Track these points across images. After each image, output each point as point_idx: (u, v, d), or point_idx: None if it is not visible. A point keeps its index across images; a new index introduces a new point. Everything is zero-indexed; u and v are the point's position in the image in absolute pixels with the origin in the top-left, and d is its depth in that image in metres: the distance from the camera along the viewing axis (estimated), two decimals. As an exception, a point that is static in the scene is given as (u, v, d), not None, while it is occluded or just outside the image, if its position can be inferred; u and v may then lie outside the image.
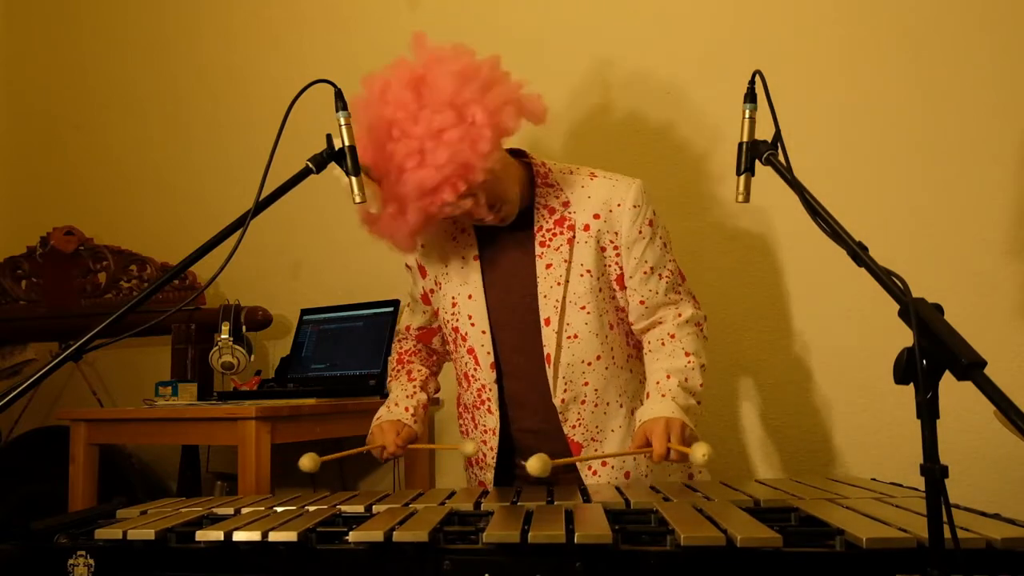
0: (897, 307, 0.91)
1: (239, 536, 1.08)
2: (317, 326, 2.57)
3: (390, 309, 2.43)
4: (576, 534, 0.98)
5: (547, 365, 1.52)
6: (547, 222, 1.54)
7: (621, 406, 1.57)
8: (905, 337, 0.86)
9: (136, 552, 1.11)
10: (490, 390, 1.57)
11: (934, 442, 0.83)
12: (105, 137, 3.17)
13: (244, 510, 1.27)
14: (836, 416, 2.02)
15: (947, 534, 0.81)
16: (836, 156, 2.03)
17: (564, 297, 1.51)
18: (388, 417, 1.61)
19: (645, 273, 1.53)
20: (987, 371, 0.82)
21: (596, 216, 1.53)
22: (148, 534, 1.11)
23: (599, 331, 1.53)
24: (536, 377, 1.54)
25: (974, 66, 1.93)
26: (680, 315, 1.55)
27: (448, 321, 1.62)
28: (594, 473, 1.55)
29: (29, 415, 2.86)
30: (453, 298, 1.60)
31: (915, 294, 0.90)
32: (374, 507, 1.25)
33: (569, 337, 1.52)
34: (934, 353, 0.84)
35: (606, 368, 1.55)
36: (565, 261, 1.51)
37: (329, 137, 1.40)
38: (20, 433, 2.89)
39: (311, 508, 1.26)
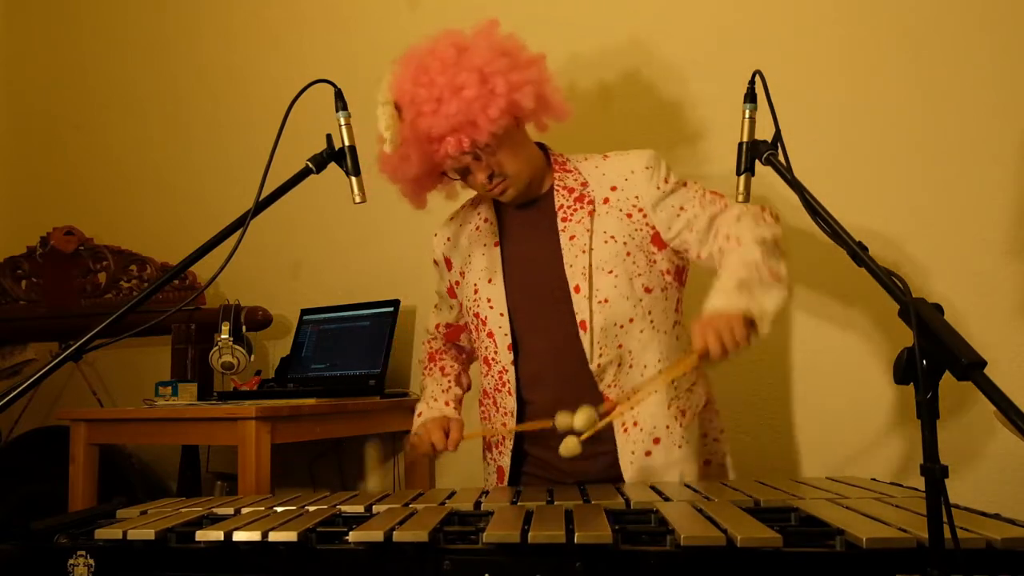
0: (897, 307, 0.91)
1: (239, 536, 1.08)
2: (317, 326, 2.57)
3: (390, 309, 2.43)
4: (576, 534, 0.98)
5: (582, 331, 1.54)
6: (567, 200, 1.61)
7: (661, 372, 1.56)
8: (905, 337, 0.86)
9: (136, 552, 1.11)
10: (509, 370, 1.61)
11: (934, 442, 0.83)
12: (105, 137, 3.17)
13: (244, 510, 1.27)
14: (836, 416, 2.01)
15: (947, 534, 0.82)
16: (836, 156, 2.03)
17: (590, 263, 1.56)
18: (430, 414, 1.65)
19: (678, 215, 1.57)
20: (987, 371, 0.82)
21: (613, 188, 1.60)
22: (148, 534, 1.11)
23: (630, 295, 1.56)
24: (557, 351, 1.57)
25: (974, 66, 1.93)
26: (731, 214, 1.52)
27: (470, 308, 1.68)
28: (625, 431, 1.54)
29: (29, 415, 2.85)
30: (475, 285, 1.67)
31: (915, 294, 0.90)
32: (374, 507, 1.25)
33: (600, 301, 1.55)
34: (934, 353, 0.84)
35: (641, 331, 1.56)
36: (587, 231, 1.57)
37: (329, 137, 1.40)
38: (20, 433, 2.89)
39: (311, 508, 1.26)
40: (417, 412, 1.68)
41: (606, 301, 1.55)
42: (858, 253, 1.04)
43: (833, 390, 2.02)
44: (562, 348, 1.57)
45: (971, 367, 0.81)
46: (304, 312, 2.62)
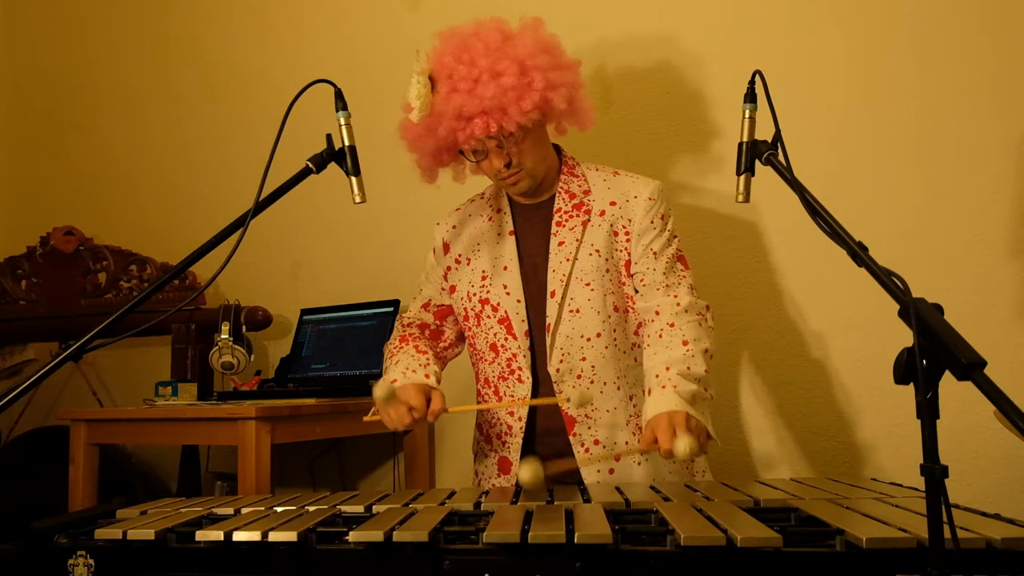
0: (897, 307, 0.91)
1: (239, 536, 1.08)
2: (317, 326, 2.57)
3: (390, 309, 2.43)
4: (576, 534, 0.98)
5: (546, 334, 1.58)
6: (566, 205, 1.64)
7: (619, 388, 1.60)
8: (905, 337, 0.86)
9: (136, 552, 1.11)
10: (524, 358, 1.60)
11: (934, 442, 0.83)
12: (105, 137, 3.17)
13: (244, 510, 1.27)
14: (836, 416, 2.02)
15: (947, 534, 0.81)
16: (836, 156, 2.03)
17: (571, 272, 1.59)
18: (406, 381, 1.50)
19: (647, 257, 1.60)
20: (987, 371, 0.82)
21: (612, 203, 1.63)
22: (148, 534, 1.11)
23: (601, 309, 1.59)
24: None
25: (974, 66, 1.93)
26: (678, 304, 1.55)
27: (474, 295, 1.67)
28: (586, 450, 1.57)
29: (29, 415, 2.86)
30: (483, 271, 1.66)
31: (915, 294, 0.90)
32: (374, 507, 1.25)
33: (571, 311, 1.59)
34: (934, 353, 0.84)
35: (606, 347, 1.60)
36: (577, 240, 1.61)
37: (329, 137, 1.40)
38: (20, 433, 2.89)
39: (311, 508, 1.26)
40: (391, 380, 1.51)
41: (578, 311, 1.59)
42: (858, 253, 1.04)
43: (833, 390, 2.03)
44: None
45: (971, 367, 0.81)
46: (304, 312, 2.62)
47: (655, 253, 1.60)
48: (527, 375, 1.60)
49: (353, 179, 1.39)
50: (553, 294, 1.59)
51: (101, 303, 2.82)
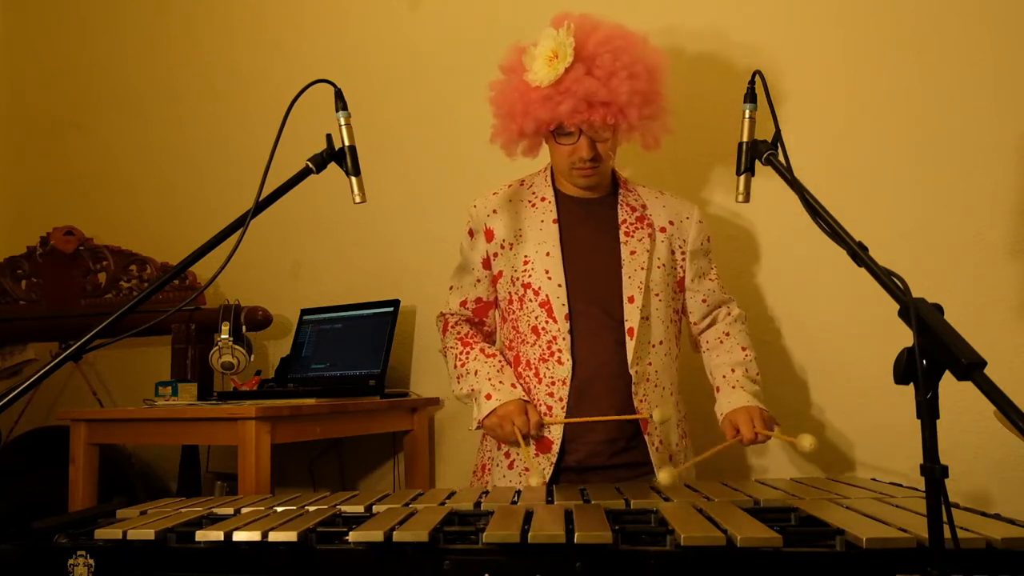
0: (897, 307, 0.91)
1: (239, 536, 1.08)
2: (317, 326, 2.57)
3: (390, 309, 2.43)
4: (576, 534, 0.98)
5: (628, 338, 1.66)
6: (630, 217, 1.75)
7: (672, 394, 1.74)
8: (905, 337, 0.86)
9: (136, 552, 1.11)
10: (564, 339, 1.66)
11: (934, 442, 0.83)
12: (105, 137, 3.17)
13: (244, 510, 1.27)
14: (836, 416, 2.02)
15: (947, 534, 0.82)
16: (836, 156, 2.03)
17: (646, 281, 1.69)
18: (503, 397, 1.64)
19: (701, 277, 1.79)
20: (987, 371, 0.82)
21: (671, 223, 1.77)
22: (148, 534, 1.11)
23: (665, 318, 1.72)
24: (604, 346, 1.66)
25: (974, 65, 1.93)
26: (730, 313, 1.80)
27: (517, 279, 1.73)
28: (656, 449, 1.67)
29: (29, 415, 2.85)
30: (526, 256, 1.72)
31: (915, 294, 0.90)
32: (374, 507, 1.25)
33: (644, 318, 1.68)
34: (934, 353, 0.84)
35: (665, 355, 1.72)
36: (647, 251, 1.72)
37: (329, 137, 1.40)
38: (20, 433, 2.89)
39: (311, 508, 1.26)
40: (485, 394, 1.66)
41: (648, 319, 1.69)
42: (858, 253, 1.04)
43: (833, 390, 2.03)
44: (606, 344, 1.66)
45: (971, 367, 0.81)
46: (304, 312, 2.62)
47: (705, 274, 1.79)
48: (566, 357, 1.65)
49: (353, 179, 1.39)
50: (632, 299, 1.67)
51: (101, 303, 2.81)
